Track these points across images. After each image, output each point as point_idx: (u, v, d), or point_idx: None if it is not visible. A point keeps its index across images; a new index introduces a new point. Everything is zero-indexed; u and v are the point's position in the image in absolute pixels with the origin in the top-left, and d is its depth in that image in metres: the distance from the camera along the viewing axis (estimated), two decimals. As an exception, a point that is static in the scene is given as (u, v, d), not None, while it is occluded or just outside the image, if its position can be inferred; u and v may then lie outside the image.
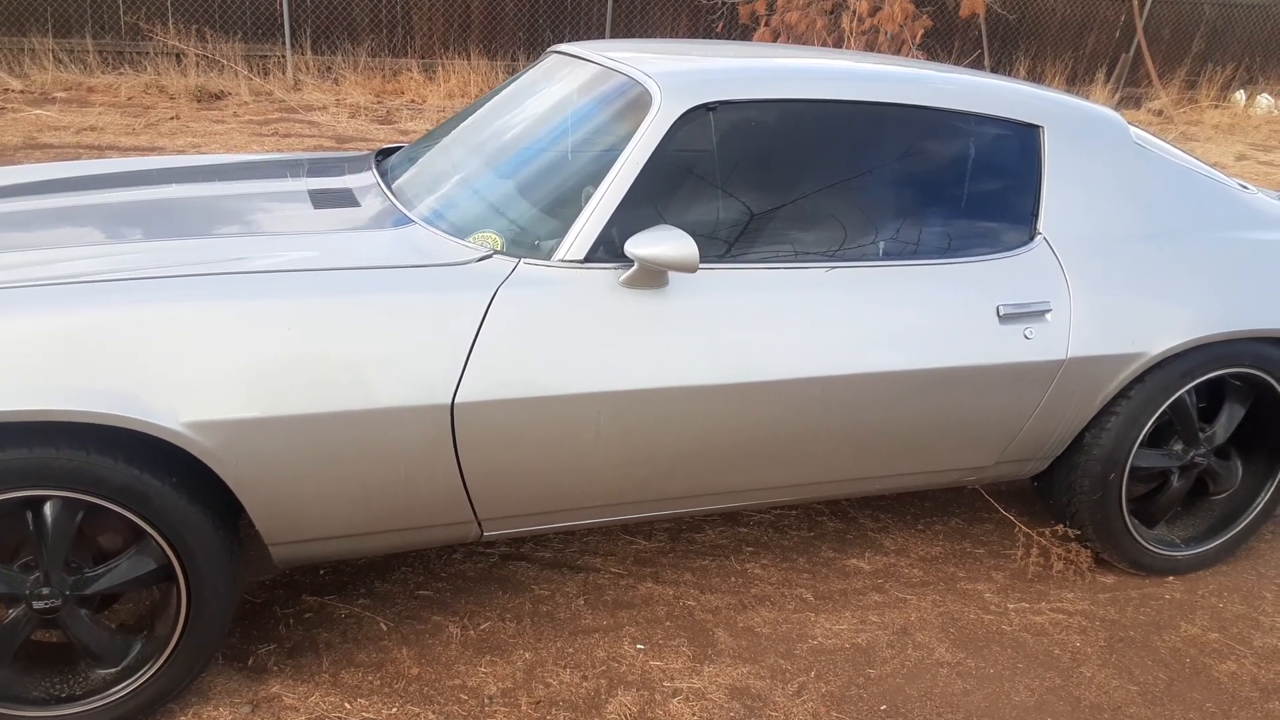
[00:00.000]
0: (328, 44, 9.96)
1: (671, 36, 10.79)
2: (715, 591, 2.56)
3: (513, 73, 10.60)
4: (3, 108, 8.07)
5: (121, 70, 9.40)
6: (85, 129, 7.56)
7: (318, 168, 2.79)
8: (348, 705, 2.09)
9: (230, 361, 1.81)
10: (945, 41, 11.21)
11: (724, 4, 9.89)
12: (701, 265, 2.14)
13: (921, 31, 8.85)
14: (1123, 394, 2.46)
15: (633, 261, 2.04)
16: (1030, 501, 3.06)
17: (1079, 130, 2.47)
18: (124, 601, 2.16)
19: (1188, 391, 2.52)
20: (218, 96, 9.12)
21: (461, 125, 2.78)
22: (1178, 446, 2.64)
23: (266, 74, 9.63)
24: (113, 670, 1.96)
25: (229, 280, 1.90)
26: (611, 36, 10.52)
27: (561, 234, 2.10)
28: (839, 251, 2.27)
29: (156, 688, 1.96)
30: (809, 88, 2.30)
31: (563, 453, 2.08)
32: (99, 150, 6.96)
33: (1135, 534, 2.64)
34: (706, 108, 2.18)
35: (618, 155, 2.14)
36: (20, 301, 1.76)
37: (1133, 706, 2.23)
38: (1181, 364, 2.45)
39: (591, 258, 2.07)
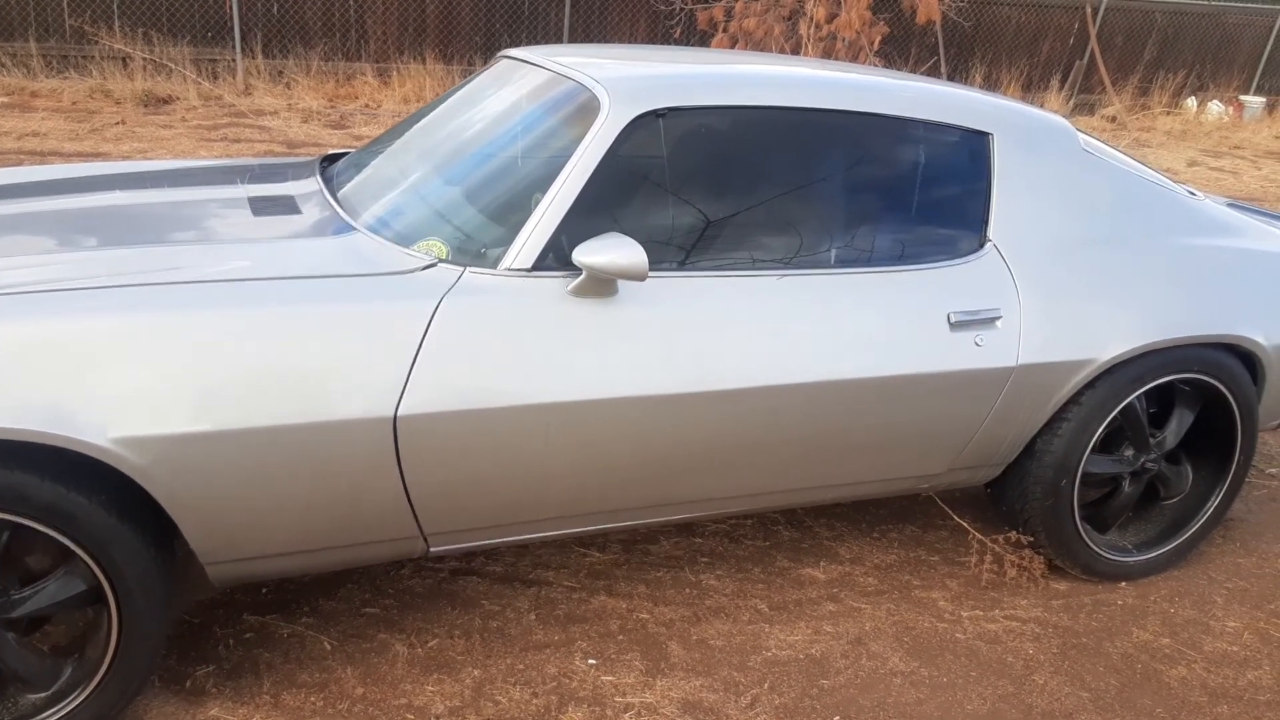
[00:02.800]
0: (280, 47, 9.82)
1: (629, 42, 10.77)
2: (669, 604, 2.53)
3: (468, 77, 10.53)
4: (-59, 111, 7.85)
5: (66, 75, 9.18)
6: (27, 134, 7.37)
7: (261, 174, 2.72)
8: (289, 728, 2.03)
9: (162, 375, 1.74)
10: (902, 48, 11.31)
11: (682, 10, 9.89)
12: (651, 273, 2.11)
13: (879, 38, 8.92)
14: (1074, 400, 2.46)
15: (581, 270, 2.01)
16: (984, 508, 3.06)
17: (1028, 137, 2.48)
18: (55, 623, 2.07)
19: (1138, 397, 2.53)
20: (165, 101, 8.94)
21: (410, 131, 2.72)
22: (1129, 452, 2.65)
23: (216, 78, 9.46)
24: (43, 695, 1.88)
25: (162, 291, 1.83)
26: (569, 41, 10.48)
27: (508, 242, 2.06)
28: (790, 259, 2.25)
29: (89, 713, 1.88)
30: (759, 94, 2.28)
31: (511, 465, 2.04)
32: (41, 156, 6.78)
33: (1087, 540, 2.65)
34: (655, 114, 2.15)
35: (564, 162, 2.11)
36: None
37: (1084, 713, 2.23)
38: (1131, 370, 2.46)
39: (539, 266, 2.03)
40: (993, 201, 2.42)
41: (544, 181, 2.13)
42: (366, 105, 9.71)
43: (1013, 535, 2.70)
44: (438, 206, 2.22)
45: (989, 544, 2.76)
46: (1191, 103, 12.80)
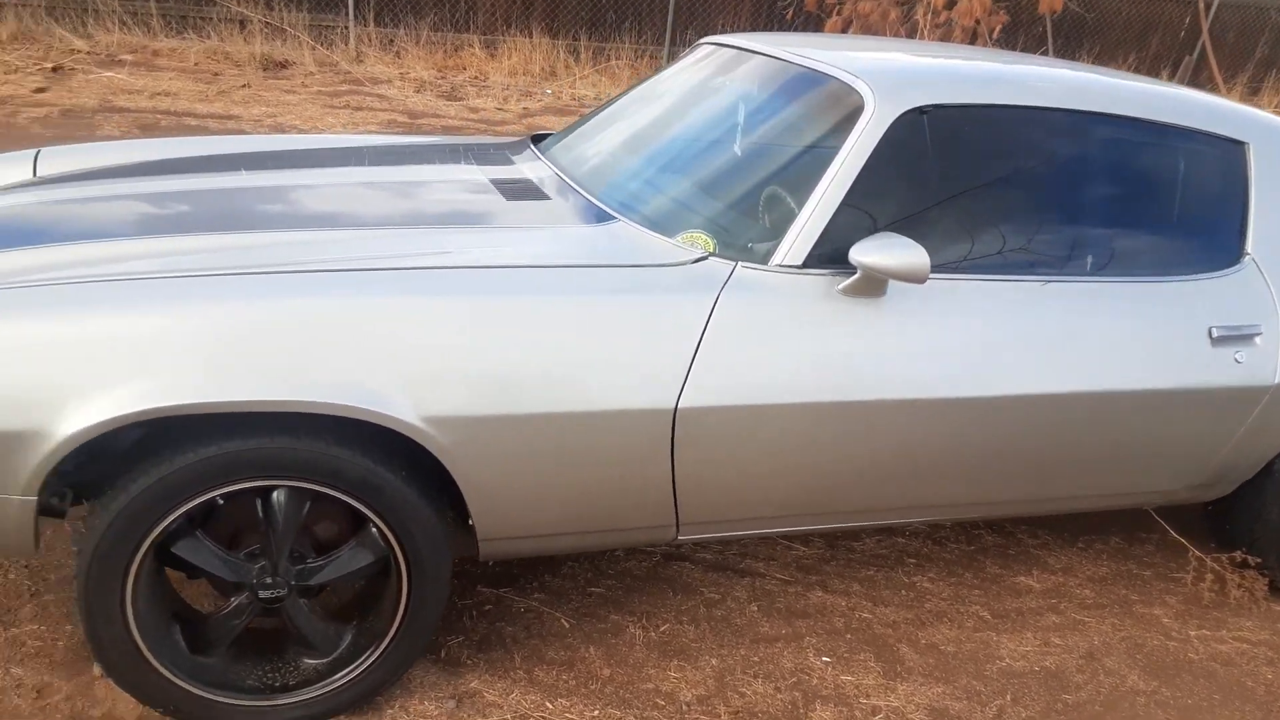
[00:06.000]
0: (391, 16, 9.87)
1: (734, 22, 10.66)
2: (888, 605, 2.51)
3: (575, 52, 10.51)
4: (73, 68, 8.02)
5: (184, 35, 9.33)
6: (158, 94, 7.50)
7: (481, 155, 2.72)
8: (549, 705, 2.05)
9: (465, 358, 1.75)
10: (1010, 37, 11.05)
11: (794, -9, 9.75)
12: (926, 274, 2.07)
13: (999, 26, 8.72)
14: (1323, 421, 2.39)
15: (853, 268, 1.98)
16: (1188, 521, 2.99)
17: (1287, 147, 2.39)
18: (332, 591, 2.11)
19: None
20: (283, 65, 9.04)
21: (629, 115, 2.70)
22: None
23: (331, 45, 9.55)
24: (324, 660, 1.91)
25: (463, 275, 1.84)
26: (675, 16, 10.39)
27: (775, 238, 2.03)
28: (1053, 266, 2.20)
29: (374, 678, 1.91)
30: (1020, 94, 2.22)
31: (776, 461, 2.03)
32: (176, 116, 6.90)
33: (1318, 564, 2.58)
34: (920, 110, 2.11)
35: (826, 157, 2.07)
36: (260, 287, 1.71)
37: (1344, 745, 2.18)
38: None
39: (809, 263, 2.00)
40: (1250, 214, 2.34)
41: (798, 177, 2.10)
42: (475, 77, 9.73)
43: (1236, 555, 2.63)
44: (692, 198, 2.20)
45: (1209, 562, 2.69)
46: (1306, 104, 12.35)
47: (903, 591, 2.57)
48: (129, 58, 8.61)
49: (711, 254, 2.01)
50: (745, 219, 2.12)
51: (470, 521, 1.92)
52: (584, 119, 2.94)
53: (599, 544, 2.10)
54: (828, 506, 2.17)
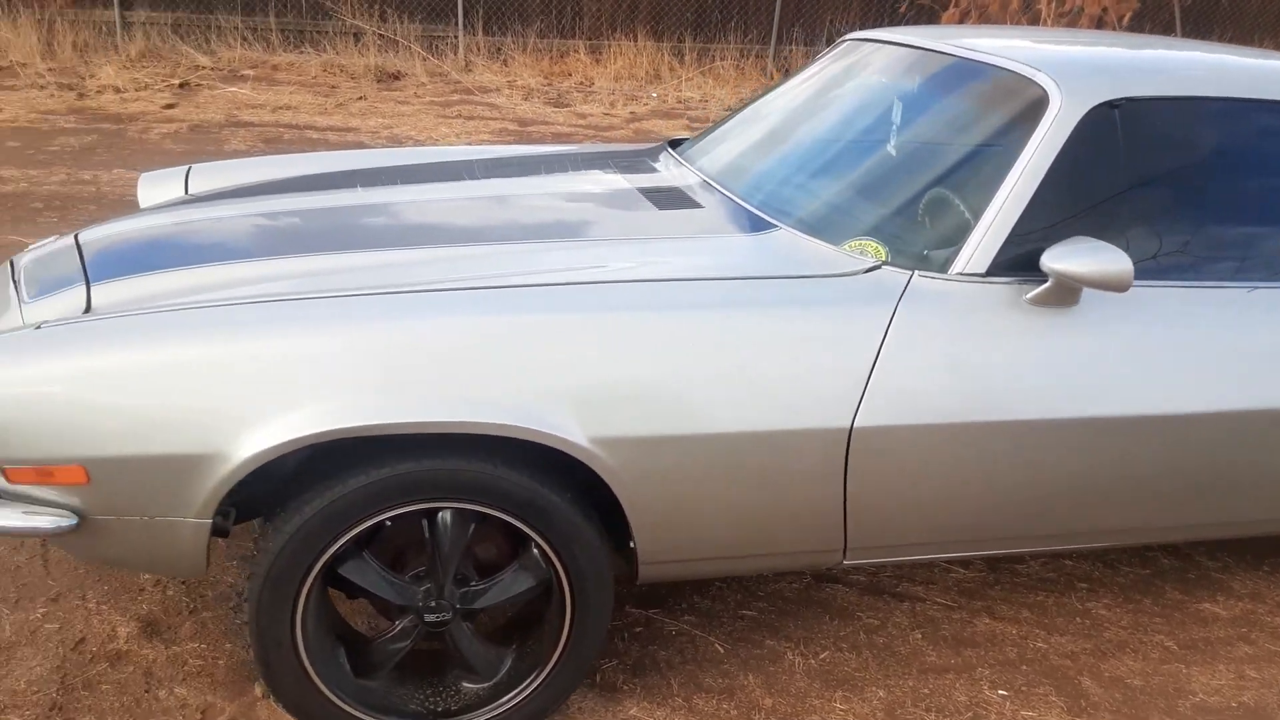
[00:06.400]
0: (499, 25, 9.98)
1: (846, 16, 10.43)
2: (1063, 633, 2.34)
3: (680, 55, 10.43)
4: (199, 84, 8.32)
5: (302, 49, 9.60)
6: (280, 108, 7.72)
7: (620, 163, 2.66)
8: (712, 738, 1.96)
9: (632, 376, 1.68)
10: (1136, 24, 10.54)
11: (906, -16, 9.49)
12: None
13: (1128, 14, 8.31)
14: None
15: (1042, 276, 1.83)
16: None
17: None
18: (485, 616, 2.07)
19: None
20: (395, 77, 9.22)
21: (774, 117, 2.60)
22: None
23: (441, 55, 9.70)
24: (486, 685, 1.86)
25: (626, 290, 1.77)
26: (781, 15, 10.23)
27: (951, 244, 1.90)
28: (1257, 270, 2.01)
29: (536, 704, 1.86)
30: (1217, 85, 2.04)
31: (953, 483, 1.90)
32: (297, 130, 7.09)
33: None
34: (1110, 105, 1.95)
35: (1007, 157, 1.93)
36: (427, 306, 1.67)
37: None
38: None
39: (992, 271, 1.87)
40: None
41: (975, 178, 1.97)
42: (581, 83, 9.76)
43: None
44: (856, 203, 2.09)
45: None
46: None
47: (1077, 619, 2.40)
48: (250, 73, 8.90)
49: (884, 263, 1.89)
50: (916, 225, 2.00)
51: (631, 544, 1.84)
52: (721, 122, 2.85)
53: (762, 567, 2.01)
54: (1005, 531, 2.02)
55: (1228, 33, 11.24)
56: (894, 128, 2.28)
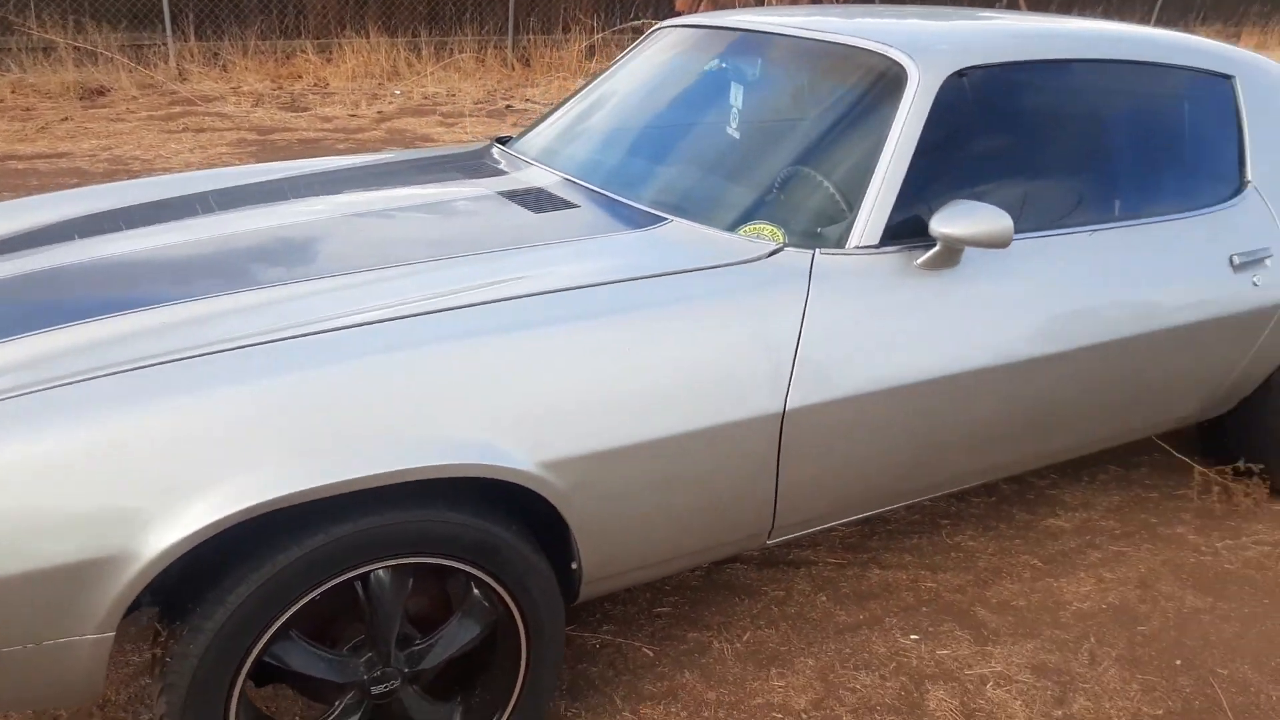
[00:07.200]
0: (212, 29, 9.21)
1: (578, 3, 10.49)
2: (945, 570, 2.51)
3: (417, 50, 10.08)
4: None
5: (-21, 69, 8.40)
6: (-32, 138, 6.72)
7: (457, 167, 2.52)
8: (671, 744, 1.93)
9: (571, 392, 1.61)
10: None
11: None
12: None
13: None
14: (1314, 329, 2.53)
15: (928, 241, 1.94)
16: (1176, 442, 3.14)
17: (1264, 78, 2.51)
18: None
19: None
20: (100, 92, 8.28)
21: (621, 110, 2.54)
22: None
23: (151, 65, 8.81)
24: (437, 745, 1.73)
25: (543, 303, 1.68)
26: (516, 7, 10.14)
27: (842, 219, 1.97)
28: (1095, 214, 2.22)
29: (503, 751, 1.75)
30: (1046, 48, 2.22)
31: (872, 449, 1.97)
32: (-2, 160, 6.20)
33: (1311, 461, 2.75)
34: (959, 74, 2.08)
35: (878, 131, 2.01)
36: (336, 348, 1.51)
37: (1392, 628, 2.33)
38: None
39: (885, 241, 1.95)
40: (1246, 143, 2.44)
41: (849, 154, 2.03)
42: (314, 85, 9.22)
43: (1235, 465, 2.77)
44: (737, 189, 2.10)
45: (1214, 476, 2.83)
46: None
47: (953, 554, 2.57)
48: (-81, 102, 7.68)
49: (785, 245, 1.92)
50: (803, 205, 2.03)
51: (574, 565, 1.77)
52: (546, 117, 2.78)
53: (694, 563, 2.00)
54: (912, 485, 2.13)
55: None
56: (757, 112, 2.31)
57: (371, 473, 1.41)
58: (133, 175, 5.96)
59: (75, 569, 1.31)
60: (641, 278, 1.77)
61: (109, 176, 5.89)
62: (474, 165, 2.52)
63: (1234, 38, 13.89)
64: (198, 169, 6.26)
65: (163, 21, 8.85)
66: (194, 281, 1.75)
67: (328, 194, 2.28)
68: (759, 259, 1.88)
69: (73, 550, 1.31)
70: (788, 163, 2.08)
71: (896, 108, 1.99)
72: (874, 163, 1.96)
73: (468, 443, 1.50)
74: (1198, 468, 2.88)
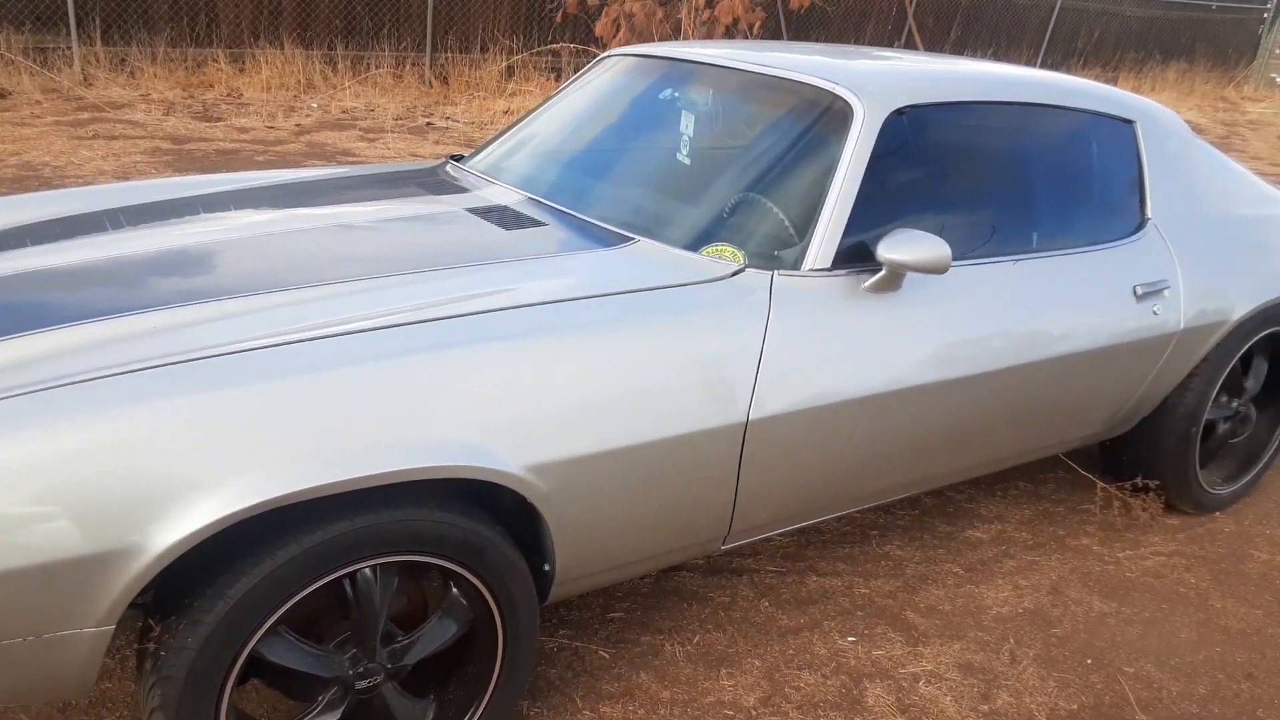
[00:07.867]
0: (120, 34, 8.95)
1: (495, 23, 10.57)
2: (876, 577, 2.66)
3: (332, 63, 9.99)
4: None
5: None
6: None
7: (419, 183, 2.59)
8: (632, 741, 2.02)
9: (557, 399, 1.70)
10: (731, 32, 11.74)
11: (554, -6, 9.83)
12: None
13: (758, 23, 9.25)
14: (1205, 357, 2.80)
15: (877, 265, 2.09)
16: (1077, 457, 3.39)
17: (1159, 124, 2.77)
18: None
19: (1245, 350, 2.90)
20: (1, 96, 7.96)
21: (579, 132, 2.65)
22: (1230, 398, 3.03)
23: (54, 69, 8.51)
24: (411, 741, 1.78)
25: (534, 313, 1.78)
26: (434, 25, 10.16)
27: (796, 243, 2.11)
28: (1017, 246, 2.42)
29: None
30: (975, 90, 2.42)
31: (824, 458, 2.11)
32: (-108, 159, 5.91)
33: (1200, 479, 3.01)
34: (899, 112, 2.26)
35: (827, 162, 2.16)
36: (335, 351, 1.57)
37: (1272, 628, 2.57)
38: (1246, 326, 2.82)
39: (835, 265, 2.10)
40: (1146, 183, 2.70)
41: (800, 182, 2.18)
42: (228, 95, 9.04)
43: (1133, 482, 3.02)
44: (701, 212, 2.22)
45: (1115, 492, 3.07)
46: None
47: (883, 562, 2.74)
48: None
49: (745, 265, 2.05)
50: (757, 230, 2.16)
51: (546, 567, 1.85)
52: (498, 137, 2.87)
53: (654, 567, 2.10)
54: (854, 493, 2.28)
55: (822, 33, 12.87)
56: (714, 140, 2.44)
57: (371, 472, 1.48)
58: (46, 183, 5.77)
59: (80, 563, 1.34)
60: (620, 292, 1.88)
61: (19, 183, 5.69)
62: (434, 182, 2.59)
63: (1112, 80, 14.84)
64: (114, 178, 6.10)
65: (67, 24, 8.57)
66: (194, 286, 1.79)
67: (304, 206, 2.32)
68: (724, 278, 2.01)
69: (78, 545, 1.33)
70: (744, 189, 2.22)
71: (844, 140, 2.15)
72: (825, 190, 2.11)
73: (460, 445, 1.57)
74: (1100, 484, 3.13)
